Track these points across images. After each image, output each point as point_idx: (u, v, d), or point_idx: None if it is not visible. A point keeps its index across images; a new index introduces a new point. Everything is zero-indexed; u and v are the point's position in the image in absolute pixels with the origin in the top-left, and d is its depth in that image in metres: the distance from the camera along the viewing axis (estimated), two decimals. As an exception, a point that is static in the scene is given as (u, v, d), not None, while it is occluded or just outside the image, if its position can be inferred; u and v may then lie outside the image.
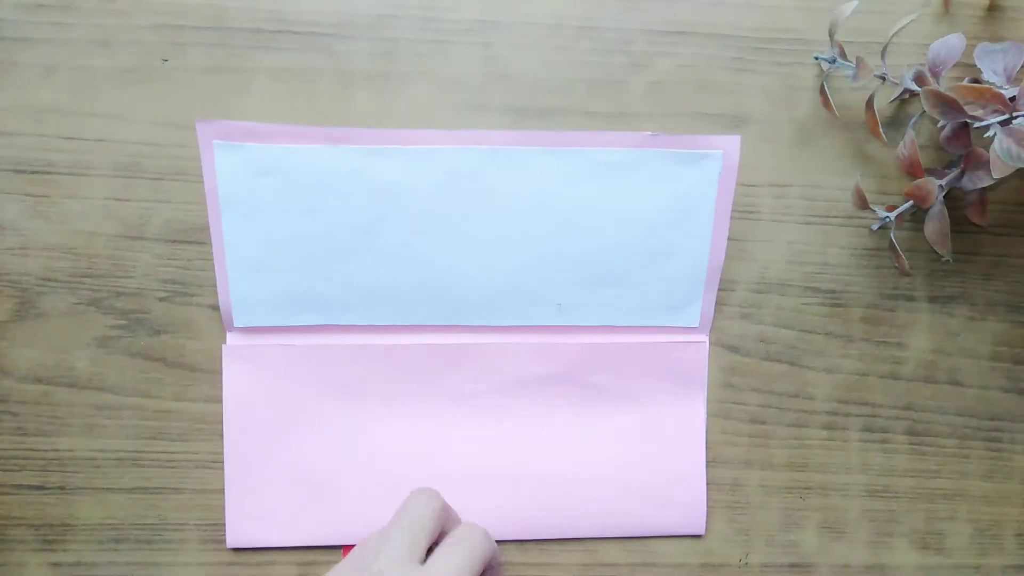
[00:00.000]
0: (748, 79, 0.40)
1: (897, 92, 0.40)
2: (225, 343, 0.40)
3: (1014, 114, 0.35)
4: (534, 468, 0.41)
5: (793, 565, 0.43)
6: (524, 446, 0.41)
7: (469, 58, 0.39)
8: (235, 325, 0.39)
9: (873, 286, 0.42)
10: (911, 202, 0.39)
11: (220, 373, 0.40)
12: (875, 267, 0.42)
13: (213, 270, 0.39)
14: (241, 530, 0.40)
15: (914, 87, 0.38)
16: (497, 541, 0.41)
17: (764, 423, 0.42)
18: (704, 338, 0.41)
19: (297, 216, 0.38)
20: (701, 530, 0.42)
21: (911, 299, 0.42)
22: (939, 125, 0.39)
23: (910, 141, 0.38)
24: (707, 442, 0.42)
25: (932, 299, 0.42)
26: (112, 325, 0.39)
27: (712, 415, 0.42)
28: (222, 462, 0.40)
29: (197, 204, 0.39)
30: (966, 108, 0.35)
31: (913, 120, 0.40)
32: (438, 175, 0.38)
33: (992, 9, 0.40)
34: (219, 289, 0.39)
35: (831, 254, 0.41)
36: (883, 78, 0.38)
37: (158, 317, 0.39)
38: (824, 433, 0.42)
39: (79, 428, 0.40)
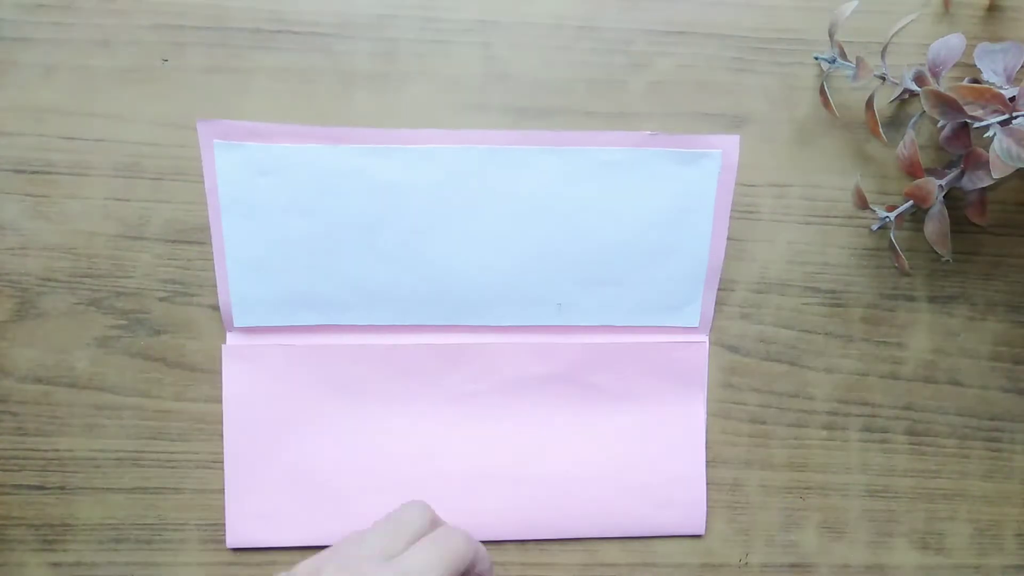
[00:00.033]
0: (748, 79, 0.40)
1: (897, 92, 0.40)
2: (225, 343, 0.40)
3: (1014, 114, 0.35)
4: (534, 468, 0.41)
5: (793, 565, 0.42)
6: (524, 446, 0.41)
7: (469, 58, 0.39)
8: (235, 325, 0.39)
9: (873, 286, 0.42)
10: (911, 202, 0.39)
11: (220, 373, 0.40)
12: (875, 267, 0.42)
13: (213, 270, 0.39)
14: (241, 530, 0.40)
15: (914, 87, 0.38)
16: (497, 541, 0.41)
17: (764, 423, 0.42)
18: (704, 338, 0.41)
19: (297, 216, 0.38)
20: (701, 530, 0.42)
21: (911, 299, 0.42)
22: (939, 125, 0.39)
23: (910, 141, 0.38)
24: (707, 442, 0.42)
25: (932, 299, 0.42)
26: (112, 325, 0.39)
27: (712, 415, 0.42)
28: (222, 462, 0.40)
29: (197, 204, 0.39)
30: (966, 108, 0.35)
31: (913, 120, 0.40)
32: (438, 175, 0.38)
33: (992, 9, 0.40)
34: (219, 289, 0.39)
35: (831, 254, 0.41)
36: (883, 78, 0.38)
37: (158, 317, 0.39)
38: (824, 433, 0.42)
39: (79, 428, 0.40)
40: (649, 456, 0.41)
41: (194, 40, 0.38)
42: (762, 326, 0.42)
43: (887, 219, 0.40)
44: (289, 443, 0.40)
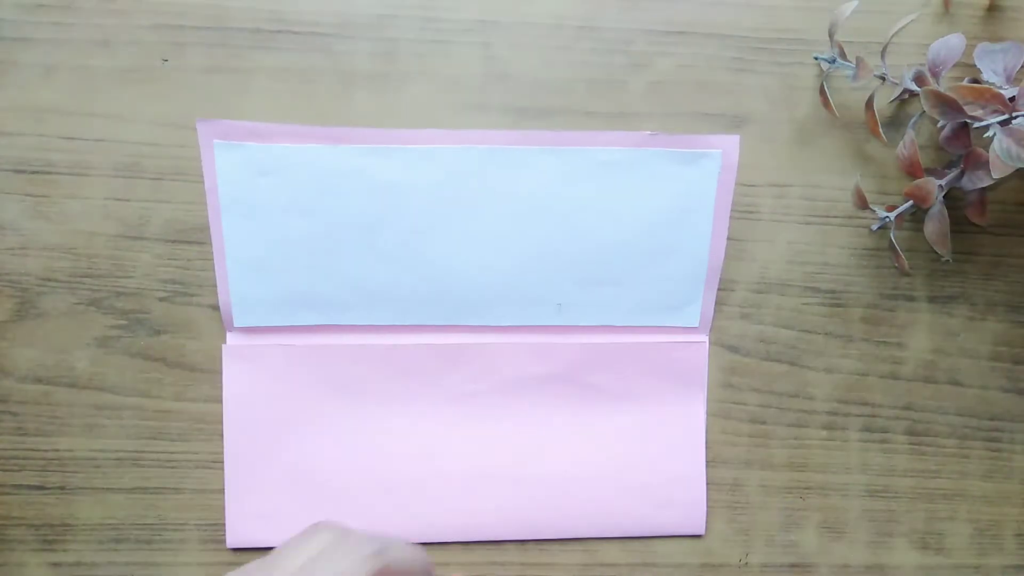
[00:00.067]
0: (748, 79, 0.40)
1: (897, 92, 0.40)
2: (225, 343, 0.40)
3: (1014, 114, 0.35)
4: (534, 468, 0.41)
5: (793, 565, 0.42)
6: (524, 446, 0.41)
7: (469, 58, 0.39)
8: (235, 325, 0.39)
9: (873, 286, 0.42)
10: (911, 202, 0.39)
11: (220, 373, 0.40)
12: (875, 267, 0.42)
13: (213, 270, 0.39)
14: (241, 530, 0.40)
15: (914, 87, 0.38)
16: (497, 541, 0.41)
17: (764, 423, 0.42)
18: (704, 338, 0.41)
19: (297, 216, 0.38)
20: (701, 530, 0.42)
21: (911, 299, 0.42)
22: (939, 125, 0.39)
23: (910, 141, 0.38)
24: (707, 442, 0.42)
25: (932, 299, 0.42)
26: (112, 325, 0.39)
27: (712, 415, 0.42)
28: (222, 462, 0.40)
29: (197, 204, 0.39)
30: (966, 108, 0.35)
31: (913, 120, 0.40)
32: (438, 175, 0.38)
33: (992, 9, 0.40)
34: (219, 289, 0.39)
35: (831, 254, 0.41)
36: (883, 78, 0.38)
37: (158, 317, 0.39)
38: (824, 433, 0.42)
39: (79, 428, 0.40)
40: (649, 456, 0.41)
41: (194, 40, 0.38)
42: (762, 326, 0.42)
43: (887, 219, 0.40)
44: (289, 443, 0.40)
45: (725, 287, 0.41)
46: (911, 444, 0.43)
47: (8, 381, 0.39)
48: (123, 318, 0.39)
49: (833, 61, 0.38)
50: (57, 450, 0.40)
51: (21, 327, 0.39)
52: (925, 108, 0.36)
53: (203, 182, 0.38)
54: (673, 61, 0.40)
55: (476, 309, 0.40)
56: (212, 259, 0.39)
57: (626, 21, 0.39)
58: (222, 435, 0.40)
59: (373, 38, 0.39)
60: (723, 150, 0.39)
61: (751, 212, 0.41)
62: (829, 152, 0.41)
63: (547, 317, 0.41)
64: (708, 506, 0.42)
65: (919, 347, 0.42)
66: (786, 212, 0.41)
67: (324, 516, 0.40)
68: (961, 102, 0.35)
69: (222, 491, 0.40)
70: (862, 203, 0.39)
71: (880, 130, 0.39)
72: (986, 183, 0.37)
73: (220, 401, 0.40)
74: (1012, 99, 0.35)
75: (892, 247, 0.41)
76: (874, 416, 0.42)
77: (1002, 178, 0.35)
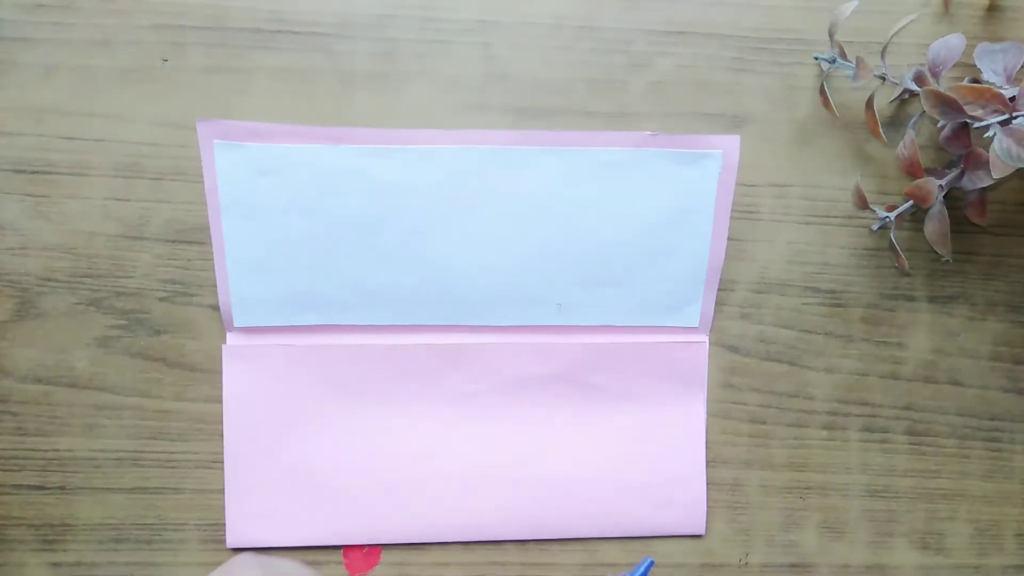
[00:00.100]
0: (748, 79, 0.40)
1: (897, 92, 0.40)
2: (225, 343, 0.40)
3: (1014, 114, 0.35)
4: (534, 468, 0.41)
5: (793, 565, 0.42)
6: (524, 446, 0.41)
7: (469, 58, 0.39)
8: (235, 325, 0.39)
9: (873, 286, 0.42)
10: (911, 202, 0.39)
11: (220, 373, 0.40)
12: (875, 267, 0.42)
13: (213, 270, 0.39)
14: (241, 530, 0.40)
15: (914, 87, 0.38)
16: (497, 541, 0.41)
17: (764, 423, 0.42)
18: (704, 338, 0.41)
19: (297, 216, 0.38)
20: (701, 530, 0.42)
21: (911, 299, 0.42)
22: (939, 125, 0.39)
23: (910, 141, 0.38)
24: (707, 442, 0.42)
25: (932, 299, 0.42)
26: (112, 325, 0.39)
27: (712, 415, 0.42)
28: (222, 462, 0.40)
29: (197, 204, 0.39)
30: (966, 108, 0.35)
31: (913, 120, 0.40)
32: (438, 175, 0.38)
33: (992, 9, 0.40)
34: (219, 289, 0.39)
35: (831, 254, 0.41)
36: (883, 78, 0.38)
37: (158, 317, 0.39)
38: (824, 433, 0.42)
39: (79, 428, 0.40)
40: (649, 456, 0.41)
41: (194, 40, 0.38)
42: (762, 326, 0.42)
43: (887, 219, 0.40)
44: (289, 443, 0.40)
45: (725, 287, 0.41)
46: (911, 444, 0.43)
47: (8, 381, 0.39)
48: (123, 318, 0.39)
49: (833, 61, 0.38)
50: (57, 450, 0.40)
51: (21, 327, 0.39)
52: (925, 108, 0.36)
53: (203, 182, 0.38)
54: (673, 61, 0.40)
55: (476, 309, 0.40)
56: (212, 259, 0.39)
57: (626, 21, 0.39)
58: (222, 435, 0.40)
59: (373, 38, 0.39)
60: (723, 150, 0.39)
61: (751, 212, 0.41)
62: (829, 152, 0.41)
63: (547, 317, 0.41)
64: (708, 506, 0.42)
65: (919, 347, 0.42)
66: (786, 212, 0.41)
67: (324, 516, 0.40)
68: (961, 102, 0.35)
69: (222, 491, 0.40)
70: (862, 203, 0.39)
71: (880, 130, 0.39)
72: (986, 183, 0.37)
73: (220, 401, 0.40)
74: (1012, 99, 0.35)
75: (892, 247, 0.41)
76: (874, 416, 0.42)
77: (1002, 178, 0.35)
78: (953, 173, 0.38)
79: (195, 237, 0.39)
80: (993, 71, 0.38)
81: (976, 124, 0.36)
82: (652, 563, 0.38)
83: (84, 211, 0.39)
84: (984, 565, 0.43)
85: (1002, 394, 0.43)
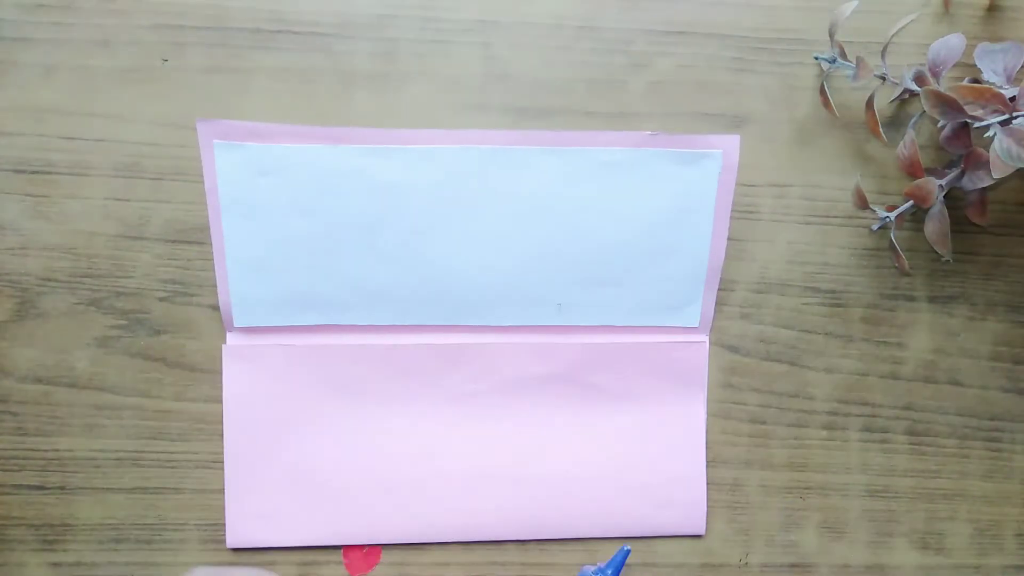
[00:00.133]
0: (748, 79, 0.40)
1: (897, 92, 0.40)
2: (225, 343, 0.40)
3: (1014, 114, 0.35)
4: (534, 468, 0.41)
5: (793, 565, 0.42)
6: (524, 446, 0.41)
7: (469, 58, 0.39)
8: (235, 325, 0.39)
9: (873, 286, 0.42)
10: (911, 202, 0.39)
11: (220, 373, 0.40)
12: (875, 267, 0.42)
13: (213, 270, 0.39)
14: (241, 530, 0.40)
15: (914, 87, 0.38)
16: (497, 541, 0.41)
17: (764, 423, 0.42)
18: (704, 338, 0.41)
19: (297, 216, 0.38)
20: (701, 530, 0.42)
21: (911, 299, 0.42)
22: (939, 125, 0.39)
23: (910, 141, 0.38)
24: (707, 442, 0.42)
25: (932, 299, 0.42)
26: (112, 325, 0.39)
27: (712, 415, 0.42)
28: (222, 462, 0.40)
29: (197, 204, 0.39)
30: (966, 108, 0.35)
31: (913, 120, 0.40)
32: (438, 175, 0.38)
33: (992, 9, 0.40)
34: (219, 289, 0.39)
35: (831, 254, 0.41)
36: (883, 78, 0.38)
37: (158, 317, 0.39)
38: (824, 433, 0.42)
39: (79, 428, 0.40)
40: (649, 456, 0.41)
41: (194, 40, 0.38)
42: (762, 326, 0.42)
43: (887, 219, 0.40)
44: (289, 443, 0.40)
45: (725, 287, 0.41)
46: (911, 444, 0.43)
47: (8, 381, 0.39)
48: (123, 318, 0.39)
49: (833, 61, 0.38)
50: (57, 450, 0.40)
51: (21, 327, 0.39)
52: (925, 108, 0.36)
53: (203, 182, 0.38)
54: (673, 61, 0.40)
55: (476, 309, 0.40)
56: (212, 259, 0.39)
57: (626, 21, 0.39)
58: (222, 435, 0.40)
59: (373, 38, 0.39)
60: (723, 150, 0.39)
61: (751, 212, 0.41)
62: (829, 152, 0.41)
63: (547, 317, 0.41)
64: (708, 506, 0.42)
65: (919, 347, 0.42)
66: (786, 212, 0.41)
67: (324, 516, 0.40)
68: (961, 102, 0.35)
69: (222, 491, 0.40)
70: (862, 203, 0.39)
71: (880, 130, 0.39)
72: (986, 183, 0.37)
73: (220, 401, 0.40)
74: (1012, 99, 0.35)
75: (892, 247, 0.41)
76: (874, 416, 0.42)
77: (1002, 178, 0.35)
78: (953, 173, 0.38)
79: (195, 237, 0.39)
80: (993, 71, 0.38)
81: (976, 124, 0.36)
82: (628, 552, 0.38)
83: (84, 211, 0.39)
84: (984, 565, 0.43)
85: (1002, 394, 0.43)
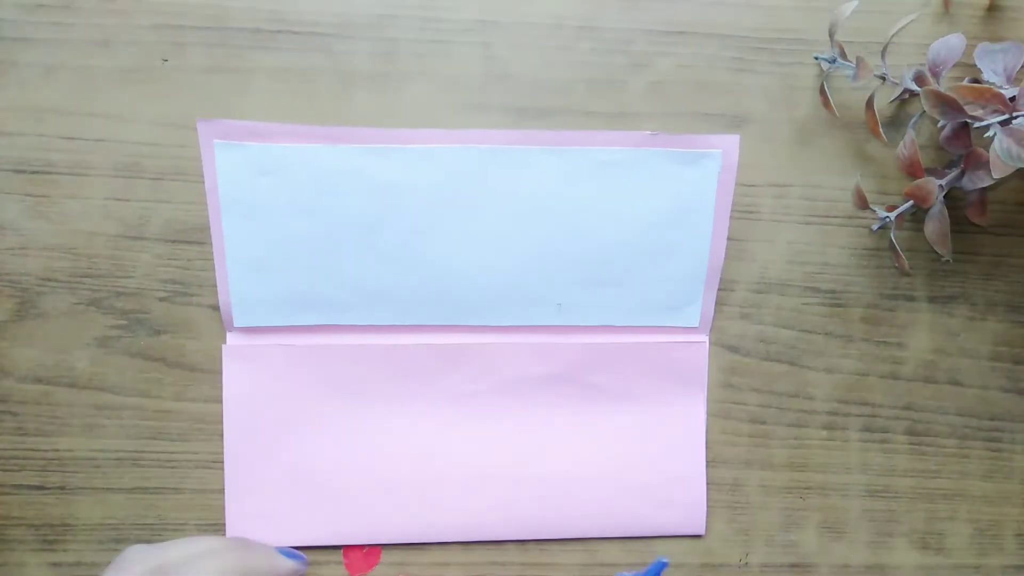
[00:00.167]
0: (748, 79, 0.40)
1: (897, 92, 0.40)
2: (225, 343, 0.40)
3: (1014, 114, 0.35)
4: (534, 468, 0.41)
5: (793, 565, 0.42)
6: (524, 446, 0.41)
7: (469, 58, 0.39)
8: (235, 325, 0.39)
9: (873, 286, 0.42)
10: (911, 202, 0.39)
11: (220, 373, 0.40)
12: (875, 267, 0.42)
13: (213, 270, 0.39)
14: (241, 530, 0.40)
15: (914, 87, 0.38)
16: (497, 541, 0.41)
17: (764, 423, 0.42)
18: (704, 338, 0.41)
19: (297, 216, 0.38)
20: (701, 530, 0.42)
21: (911, 299, 0.42)
22: (939, 125, 0.39)
23: (910, 141, 0.38)
24: (707, 442, 0.42)
25: (932, 299, 0.42)
26: (112, 325, 0.39)
27: (712, 415, 0.42)
28: (222, 462, 0.40)
29: (197, 204, 0.39)
30: (966, 108, 0.35)
31: (913, 120, 0.40)
32: (438, 175, 0.38)
33: (992, 9, 0.40)
34: (219, 289, 0.39)
35: (831, 254, 0.41)
36: (883, 78, 0.38)
37: (158, 317, 0.39)
38: (824, 433, 0.42)
39: (79, 428, 0.40)
40: (649, 456, 0.41)
41: (194, 40, 0.38)
42: (762, 326, 0.42)
43: (887, 219, 0.40)
44: (289, 443, 0.40)
45: (725, 287, 0.41)
46: (911, 444, 0.43)
47: (8, 381, 0.39)
48: (123, 318, 0.39)
49: (833, 61, 0.38)
50: (57, 450, 0.40)
51: (21, 327, 0.39)
52: (925, 108, 0.36)
53: (203, 182, 0.38)
54: (673, 61, 0.40)
55: (476, 309, 0.40)
56: (212, 259, 0.39)
57: (626, 21, 0.39)
58: (222, 435, 0.40)
59: (373, 38, 0.39)
60: (723, 150, 0.39)
61: (751, 212, 0.41)
62: (829, 152, 0.41)
63: (547, 317, 0.41)
64: (708, 506, 0.42)
65: (919, 347, 0.42)
66: (786, 212, 0.41)
67: (324, 516, 0.40)
68: (961, 102, 0.35)
69: (222, 491, 0.40)
70: (862, 203, 0.39)
71: (880, 130, 0.39)
72: (986, 183, 0.37)
73: (220, 401, 0.40)
74: (1012, 99, 0.35)
75: (892, 247, 0.41)
76: (874, 416, 0.42)
77: (1002, 178, 0.35)
78: (953, 173, 0.38)
79: (195, 237, 0.39)
80: (993, 71, 0.38)
81: (976, 124, 0.36)
82: (665, 564, 0.37)
83: (84, 211, 0.39)
84: (984, 565, 0.43)
85: (1002, 394, 0.43)
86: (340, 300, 0.40)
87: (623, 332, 0.41)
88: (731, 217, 0.40)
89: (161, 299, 0.39)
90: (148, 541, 0.40)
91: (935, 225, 0.39)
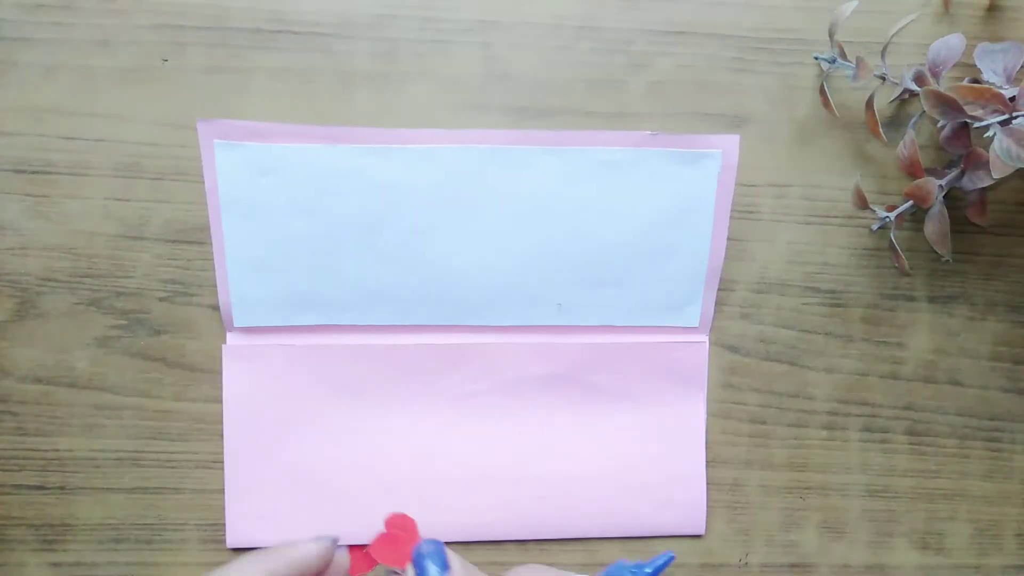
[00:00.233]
0: (748, 79, 0.40)
1: (897, 92, 0.40)
2: (225, 343, 0.40)
3: (1014, 114, 0.35)
4: (534, 468, 0.41)
5: (793, 565, 0.42)
6: (524, 446, 0.41)
7: (469, 58, 0.39)
8: (235, 325, 0.39)
9: (873, 286, 0.42)
10: (911, 202, 0.39)
11: (220, 373, 0.40)
12: (875, 267, 0.42)
13: (213, 270, 0.39)
14: (241, 530, 0.40)
15: (914, 87, 0.38)
16: (497, 541, 0.41)
17: (764, 423, 0.42)
18: (704, 338, 0.41)
19: (297, 216, 0.38)
20: (701, 530, 0.42)
21: (911, 299, 0.42)
22: (939, 125, 0.39)
23: (910, 141, 0.38)
24: (707, 442, 0.42)
25: (932, 299, 0.42)
26: (112, 325, 0.39)
27: (712, 415, 0.42)
28: (222, 462, 0.40)
29: (197, 204, 0.39)
30: (966, 108, 0.35)
31: (913, 120, 0.40)
32: (438, 175, 0.38)
33: (992, 9, 0.40)
34: (219, 289, 0.39)
35: (831, 254, 0.41)
36: (883, 78, 0.38)
37: (158, 317, 0.39)
38: (824, 433, 0.42)
39: (79, 428, 0.40)
40: (649, 456, 0.41)
41: (194, 40, 0.38)
42: (762, 326, 0.42)
43: (887, 219, 0.40)
44: (289, 443, 0.40)
45: (725, 287, 0.41)
46: (911, 444, 0.43)
47: (8, 381, 0.39)
48: (123, 318, 0.39)
49: (833, 61, 0.38)
50: (57, 450, 0.40)
51: (21, 327, 0.39)
52: (925, 108, 0.36)
53: (203, 182, 0.38)
54: (673, 61, 0.40)
55: (476, 309, 0.40)
56: (212, 259, 0.39)
57: (626, 21, 0.39)
58: (222, 435, 0.40)
59: (373, 38, 0.39)
60: (723, 150, 0.39)
61: (751, 212, 0.41)
62: (829, 152, 0.41)
63: (547, 317, 0.41)
64: (708, 506, 0.42)
65: (919, 347, 0.42)
66: (786, 212, 0.41)
67: (324, 516, 0.40)
68: (961, 102, 0.35)
69: (222, 491, 0.40)
70: (862, 203, 0.39)
71: (880, 130, 0.39)
72: (986, 183, 0.37)
73: (220, 401, 0.40)
74: (1012, 99, 0.35)
75: (892, 247, 0.41)
76: (874, 416, 0.42)
77: (1002, 178, 0.35)
78: (953, 173, 0.38)
79: (195, 237, 0.39)
80: (993, 71, 0.38)
81: (976, 124, 0.36)
82: (672, 558, 0.36)
83: (84, 211, 0.39)
84: (984, 565, 0.43)
85: (1002, 394, 0.43)
86: (340, 300, 0.40)
87: (623, 332, 0.41)
88: (731, 217, 0.40)
89: (161, 299, 0.39)
90: (148, 541, 0.40)
91: (935, 225, 0.39)
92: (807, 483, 0.42)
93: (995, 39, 0.39)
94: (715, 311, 0.41)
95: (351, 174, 0.38)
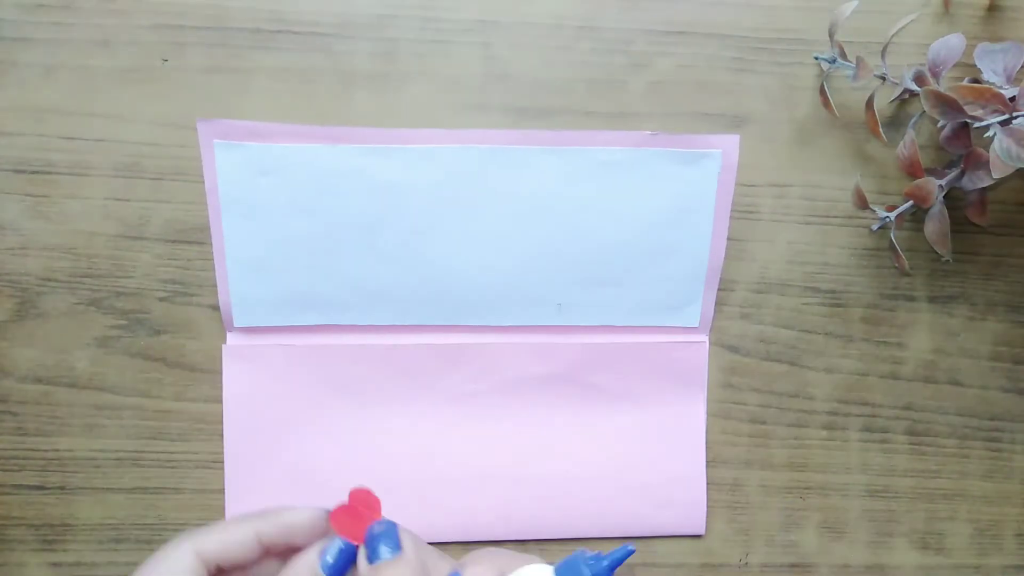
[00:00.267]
0: (748, 79, 0.40)
1: (897, 92, 0.40)
2: (225, 343, 0.40)
3: (1014, 114, 0.35)
4: (534, 468, 0.41)
5: (793, 565, 0.42)
6: (524, 446, 0.41)
7: (469, 58, 0.39)
8: (235, 325, 0.39)
9: (873, 286, 0.42)
10: (911, 202, 0.39)
11: (220, 373, 0.40)
12: (875, 267, 0.42)
13: (213, 270, 0.39)
14: (241, 530, 0.40)
15: (914, 87, 0.38)
16: (497, 541, 0.41)
17: (764, 423, 0.42)
18: (704, 338, 0.41)
19: (297, 216, 0.38)
20: (701, 530, 0.42)
21: (911, 299, 0.42)
22: (939, 125, 0.39)
23: (910, 141, 0.38)
24: (707, 442, 0.42)
25: (932, 299, 0.42)
26: (112, 325, 0.39)
27: (712, 415, 0.42)
28: (222, 462, 0.40)
29: (197, 204, 0.39)
30: (966, 108, 0.35)
31: (913, 120, 0.40)
32: (438, 175, 0.38)
33: (992, 9, 0.40)
34: (219, 289, 0.39)
35: (831, 254, 0.41)
36: (883, 78, 0.38)
37: (158, 317, 0.39)
38: (824, 433, 0.42)
39: (79, 428, 0.40)
40: (649, 456, 0.41)
41: (194, 40, 0.38)
42: (762, 326, 0.42)
43: (887, 219, 0.40)
44: (289, 443, 0.40)
45: (725, 287, 0.41)
46: (911, 444, 0.43)
47: (8, 381, 0.39)
48: (123, 318, 0.39)
49: (833, 61, 0.38)
50: (57, 450, 0.40)
51: (21, 327, 0.39)
52: (925, 108, 0.36)
53: (203, 182, 0.38)
54: (673, 61, 0.40)
55: (476, 309, 0.40)
56: (212, 259, 0.39)
57: (626, 21, 0.39)
58: (222, 435, 0.40)
59: (373, 38, 0.39)
60: (723, 150, 0.39)
61: (751, 212, 0.41)
62: (829, 152, 0.41)
63: (547, 317, 0.41)
64: (708, 506, 0.42)
65: (919, 347, 0.42)
66: (786, 212, 0.41)
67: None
68: (961, 102, 0.35)
69: (222, 491, 0.40)
70: (862, 203, 0.39)
71: (880, 130, 0.39)
72: (986, 183, 0.37)
73: (220, 401, 0.40)
74: (1012, 99, 0.35)
75: (892, 247, 0.41)
76: (874, 416, 0.42)
77: (1002, 178, 0.35)
78: (953, 173, 0.38)
79: (195, 237, 0.39)
80: (993, 71, 0.38)
81: (976, 124, 0.36)
82: (631, 552, 0.36)
83: (84, 211, 0.39)
84: (984, 565, 0.43)
85: (1002, 394, 0.43)
86: (340, 300, 0.40)
87: (623, 332, 0.41)
88: (731, 217, 0.40)
89: (161, 299, 0.39)
90: (148, 541, 0.40)
91: (935, 225, 0.39)
92: (807, 483, 0.42)
93: (995, 39, 0.39)
94: (715, 311, 0.41)
95: (351, 174, 0.38)
